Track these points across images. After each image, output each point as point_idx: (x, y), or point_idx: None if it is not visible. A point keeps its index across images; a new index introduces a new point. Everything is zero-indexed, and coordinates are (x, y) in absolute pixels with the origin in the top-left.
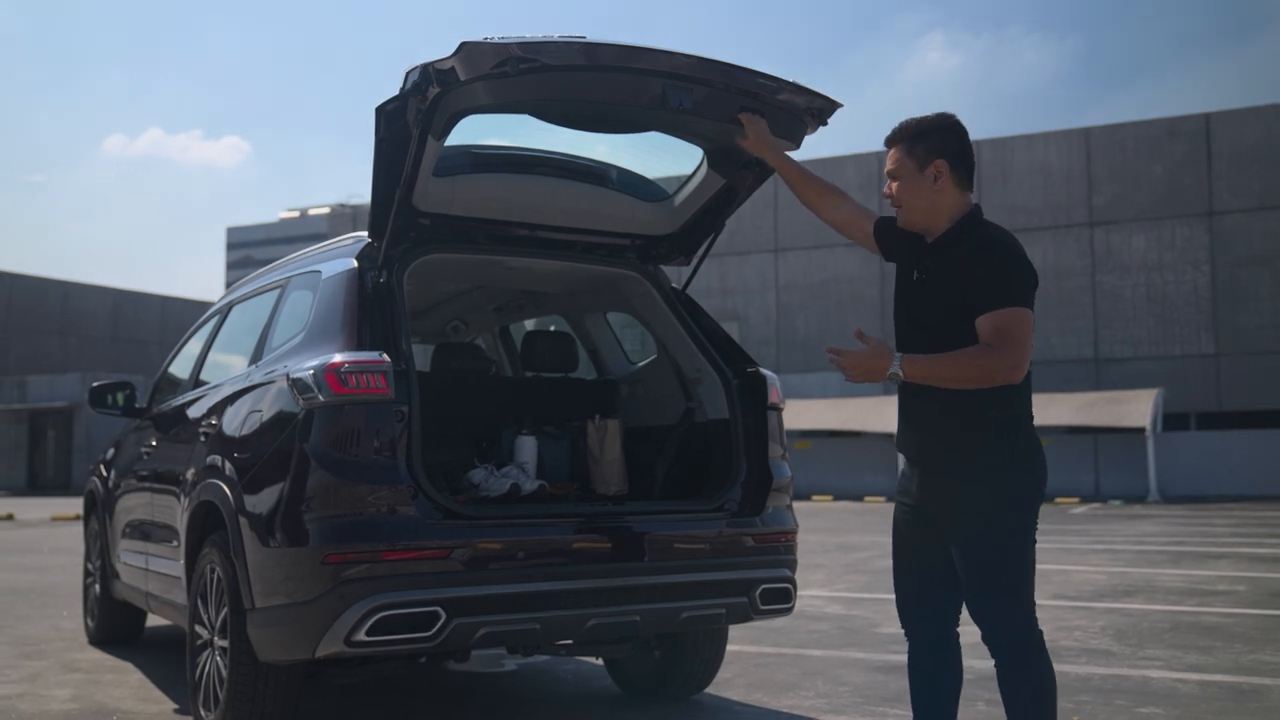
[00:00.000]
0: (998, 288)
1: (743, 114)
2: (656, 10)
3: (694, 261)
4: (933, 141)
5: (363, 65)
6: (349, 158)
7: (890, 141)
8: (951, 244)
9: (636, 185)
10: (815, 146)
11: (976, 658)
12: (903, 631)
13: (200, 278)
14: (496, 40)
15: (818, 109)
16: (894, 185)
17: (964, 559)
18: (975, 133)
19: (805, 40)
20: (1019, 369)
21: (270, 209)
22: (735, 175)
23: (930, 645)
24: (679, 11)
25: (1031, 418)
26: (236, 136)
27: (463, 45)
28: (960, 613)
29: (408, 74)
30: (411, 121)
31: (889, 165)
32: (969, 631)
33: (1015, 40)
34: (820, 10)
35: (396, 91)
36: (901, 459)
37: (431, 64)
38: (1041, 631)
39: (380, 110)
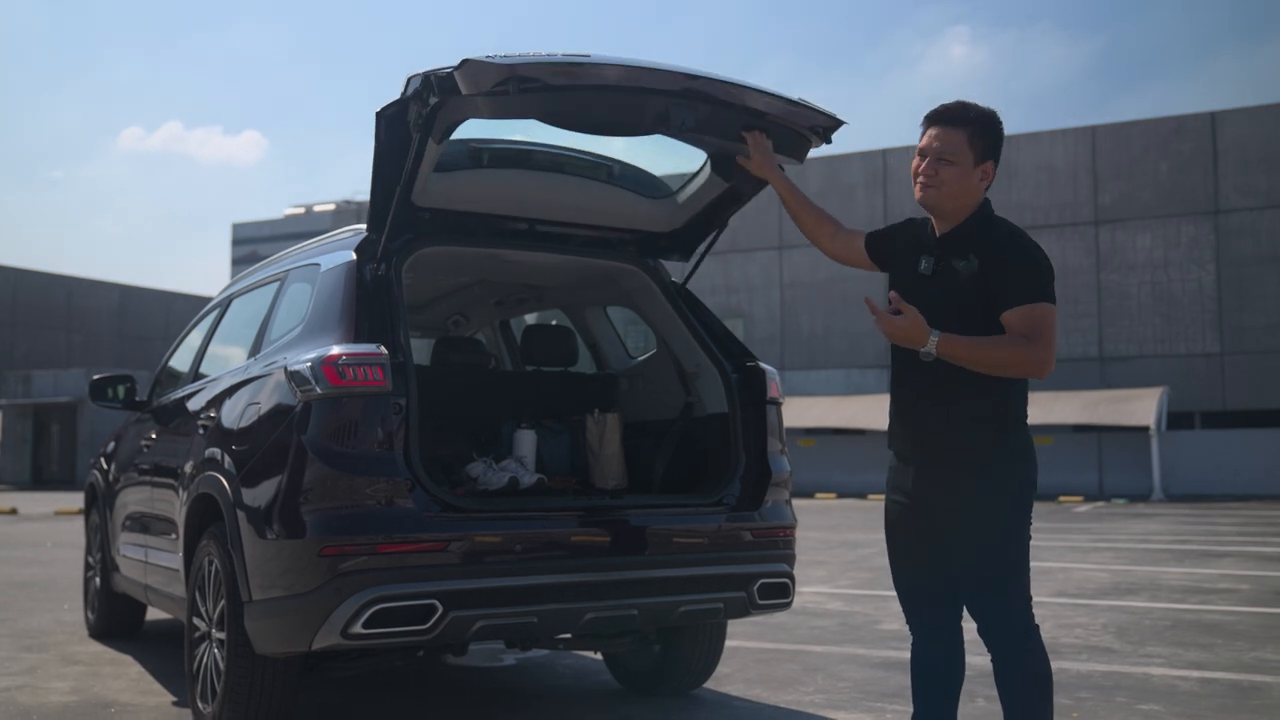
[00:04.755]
0: (1031, 282)
1: (747, 133)
2: (675, 3)
3: (696, 257)
4: (991, 139)
5: (380, 59)
6: (360, 153)
7: (950, 121)
8: (969, 236)
9: (640, 181)
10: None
11: (976, 653)
12: (906, 627)
13: (205, 274)
14: (499, 60)
15: (822, 127)
16: (944, 170)
17: (960, 555)
18: None
19: (824, 33)
20: (1049, 363)
21: (283, 205)
22: (739, 179)
23: (933, 640)
24: (697, 4)
25: (1026, 417)
26: (256, 131)
27: (464, 63)
28: (962, 608)
29: (409, 80)
30: (412, 125)
31: (939, 144)
32: (968, 627)
33: (1042, 36)
34: (843, 1)
35: (397, 96)
36: (892, 455)
37: (433, 73)
38: (1038, 626)
39: (380, 115)
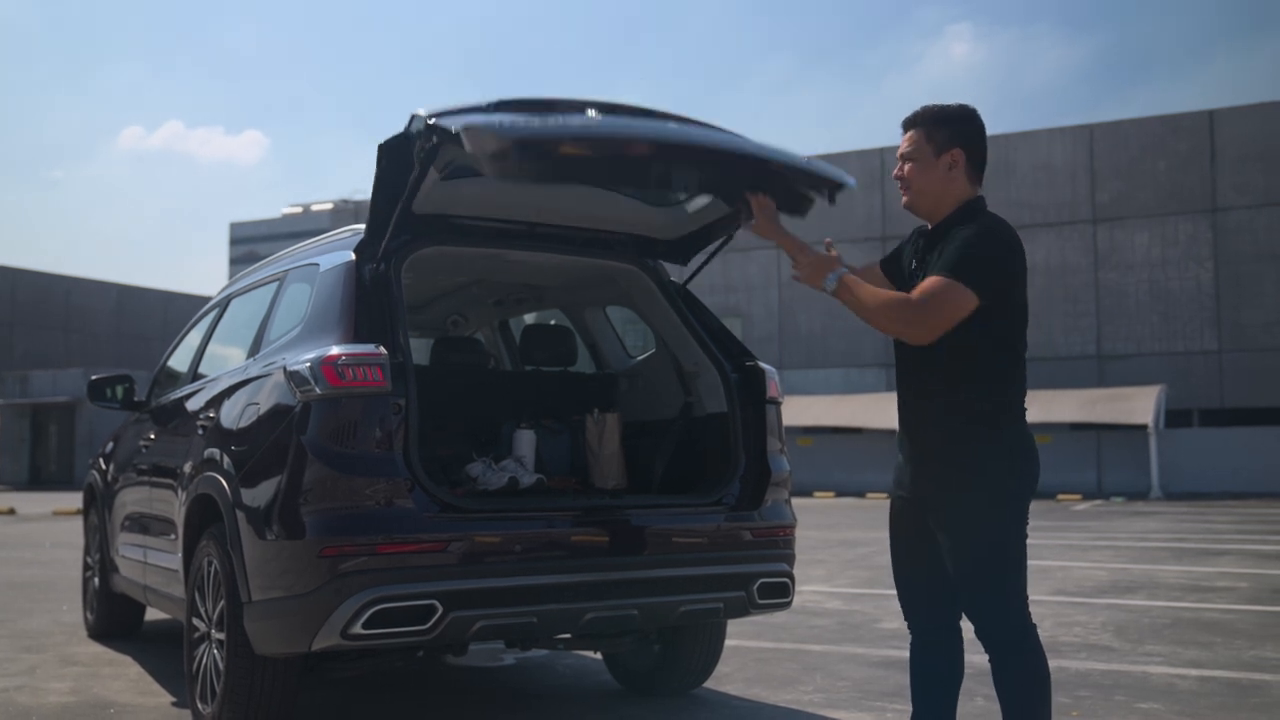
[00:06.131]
0: (956, 260)
1: (750, 195)
2: (673, 1)
3: (702, 257)
4: (953, 130)
5: (381, 58)
6: (360, 153)
7: (909, 124)
8: (947, 232)
9: (648, 191)
10: (818, 142)
11: (976, 652)
12: (906, 625)
13: (204, 274)
14: (500, 130)
15: (828, 189)
16: (907, 167)
17: (954, 554)
18: (991, 128)
19: (823, 31)
20: (924, 332)
21: (283, 205)
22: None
23: (932, 640)
24: (695, 2)
25: (1024, 414)
26: (257, 131)
27: (466, 129)
28: (957, 601)
29: (413, 118)
30: (415, 156)
31: (905, 147)
32: (966, 626)
33: (1043, 35)
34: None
35: (400, 130)
36: (899, 453)
37: (436, 120)
38: (1035, 625)
39: (383, 147)
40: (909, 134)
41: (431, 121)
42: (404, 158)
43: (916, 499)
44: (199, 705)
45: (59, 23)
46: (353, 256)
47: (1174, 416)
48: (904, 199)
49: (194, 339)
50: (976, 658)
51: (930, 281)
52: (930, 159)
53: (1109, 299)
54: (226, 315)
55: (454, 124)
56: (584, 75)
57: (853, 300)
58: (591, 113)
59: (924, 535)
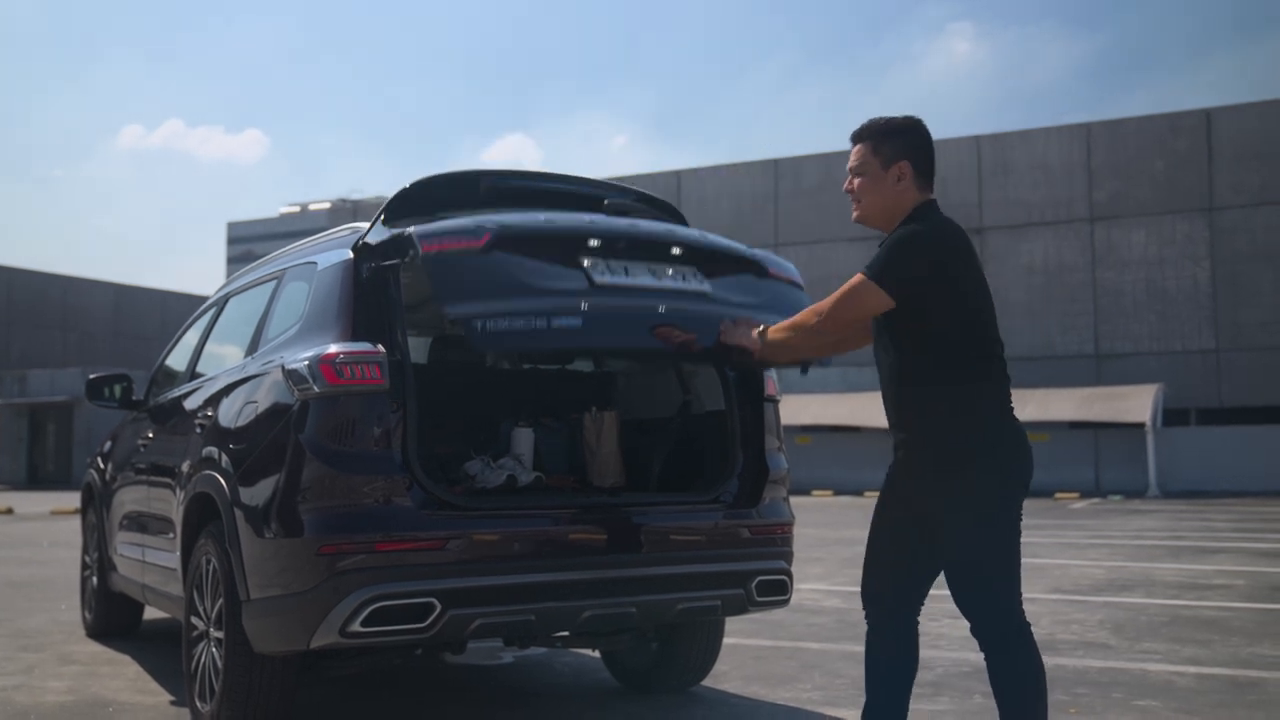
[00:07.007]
0: (873, 259)
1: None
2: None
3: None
4: (899, 142)
5: (384, 56)
6: (359, 152)
7: (856, 138)
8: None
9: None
10: (816, 141)
11: (972, 650)
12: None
13: (201, 273)
14: (488, 338)
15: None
16: (856, 182)
17: (946, 553)
18: (992, 126)
19: (825, 29)
20: (831, 324)
21: (281, 204)
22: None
23: (898, 629)
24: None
25: (1011, 410)
26: (258, 130)
27: (460, 321)
28: (923, 599)
29: (408, 239)
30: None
31: (852, 161)
32: (961, 625)
33: (1045, 33)
34: None
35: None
36: None
37: (419, 254)
38: (1029, 623)
39: (368, 247)
40: (856, 148)
41: (425, 273)
42: (394, 248)
43: (906, 496)
44: (197, 703)
45: (59, 20)
46: (350, 255)
47: (1171, 415)
48: (855, 213)
49: (192, 338)
50: (974, 656)
51: (850, 280)
52: (879, 172)
53: (1106, 298)
54: (224, 314)
55: (449, 306)
56: (584, 74)
57: (779, 339)
58: (587, 255)
59: (908, 528)
